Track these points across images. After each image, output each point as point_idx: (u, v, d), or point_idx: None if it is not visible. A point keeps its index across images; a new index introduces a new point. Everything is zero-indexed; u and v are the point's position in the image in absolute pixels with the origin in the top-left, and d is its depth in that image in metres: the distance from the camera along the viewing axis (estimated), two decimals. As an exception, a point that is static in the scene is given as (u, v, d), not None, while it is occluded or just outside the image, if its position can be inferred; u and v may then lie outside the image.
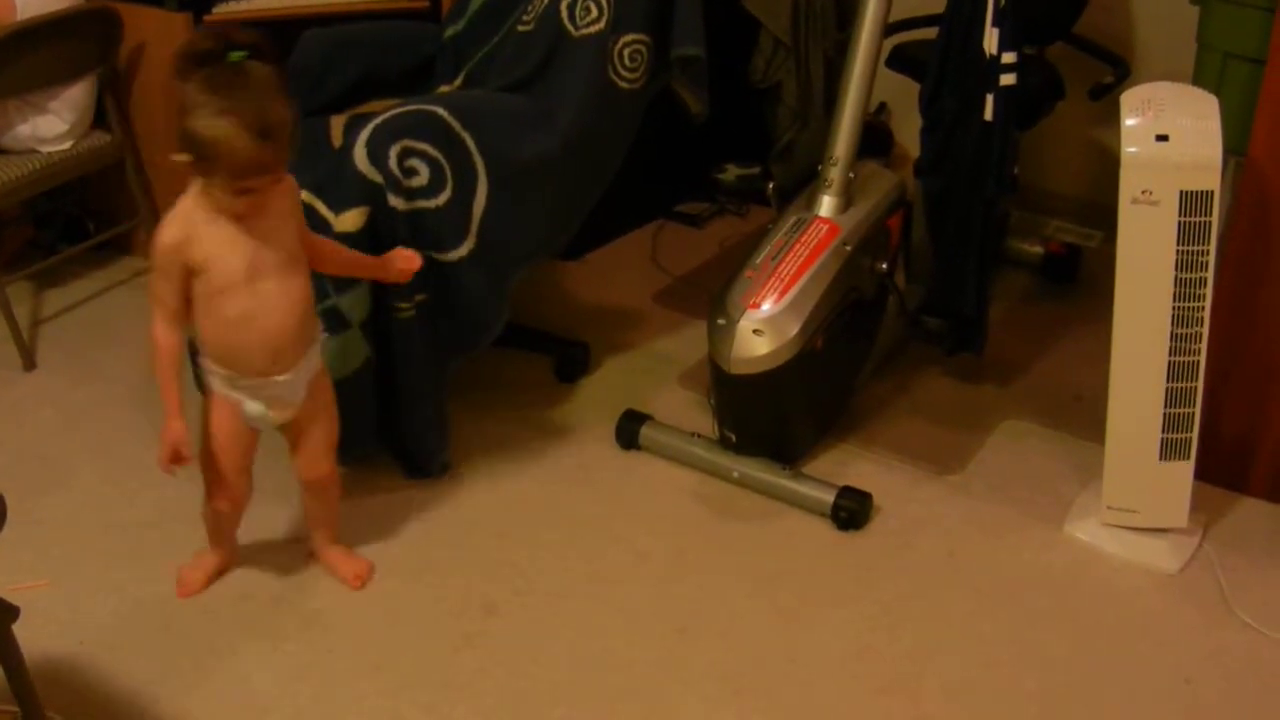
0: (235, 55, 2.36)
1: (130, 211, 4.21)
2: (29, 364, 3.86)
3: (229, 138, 2.33)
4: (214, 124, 2.33)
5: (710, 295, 3.28)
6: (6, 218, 4.30)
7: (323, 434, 2.83)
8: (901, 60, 4.04)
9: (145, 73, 4.06)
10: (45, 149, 3.90)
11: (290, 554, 3.04)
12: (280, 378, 2.64)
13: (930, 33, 3.51)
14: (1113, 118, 2.74)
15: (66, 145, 3.94)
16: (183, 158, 2.40)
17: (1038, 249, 4.34)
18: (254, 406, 2.68)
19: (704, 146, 4.63)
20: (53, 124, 3.89)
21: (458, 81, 3.59)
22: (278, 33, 3.70)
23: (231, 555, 2.99)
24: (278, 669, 2.73)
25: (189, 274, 2.51)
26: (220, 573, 2.97)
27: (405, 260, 2.83)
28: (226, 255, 2.50)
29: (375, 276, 2.93)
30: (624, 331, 3.98)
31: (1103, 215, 3.32)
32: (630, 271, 4.38)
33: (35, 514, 3.15)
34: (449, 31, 3.68)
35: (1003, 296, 4.08)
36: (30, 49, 3.69)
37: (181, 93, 2.36)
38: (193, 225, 2.48)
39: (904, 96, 4.13)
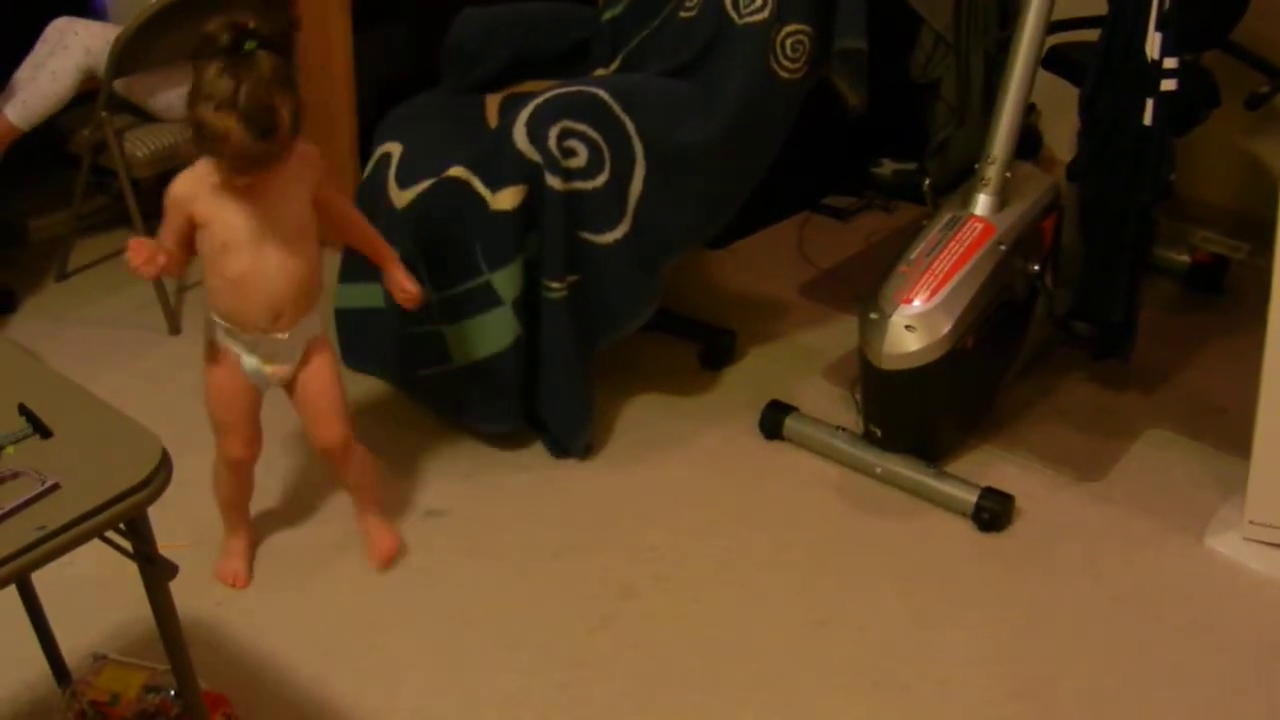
0: (249, 45, 2.36)
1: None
2: (174, 328, 3.94)
3: (230, 133, 2.36)
4: (219, 117, 2.35)
5: (856, 290, 3.28)
6: (146, 186, 4.36)
7: (325, 396, 2.81)
8: (1058, 61, 3.99)
9: (298, 44, 4.08)
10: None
11: (429, 530, 3.08)
12: (279, 335, 2.66)
13: (1085, 34, 3.48)
14: (1266, 128, 2.70)
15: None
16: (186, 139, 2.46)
17: (1184, 258, 4.28)
18: (250, 361, 2.69)
19: (856, 140, 4.62)
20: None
21: (615, 65, 3.61)
22: (436, 10, 3.76)
23: (249, 530, 2.97)
24: (416, 640, 2.77)
25: (191, 226, 2.56)
26: (251, 548, 2.97)
27: (402, 288, 2.84)
28: (230, 218, 2.54)
29: (382, 268, 2.88)
30: (769, 322, 3.98)
31: (1251, 227, 3.26)
32: (777, 262, 4.38)
33: (176, 476, 3.21)
34: (607, 14, 3.70)
35: (1147, 304, 3.99)
36: (188, 17, 3.73)
37: (196, 75, 2.39)
38: (202, 184, 2.53)
39: (1052, 98, 4.09)
